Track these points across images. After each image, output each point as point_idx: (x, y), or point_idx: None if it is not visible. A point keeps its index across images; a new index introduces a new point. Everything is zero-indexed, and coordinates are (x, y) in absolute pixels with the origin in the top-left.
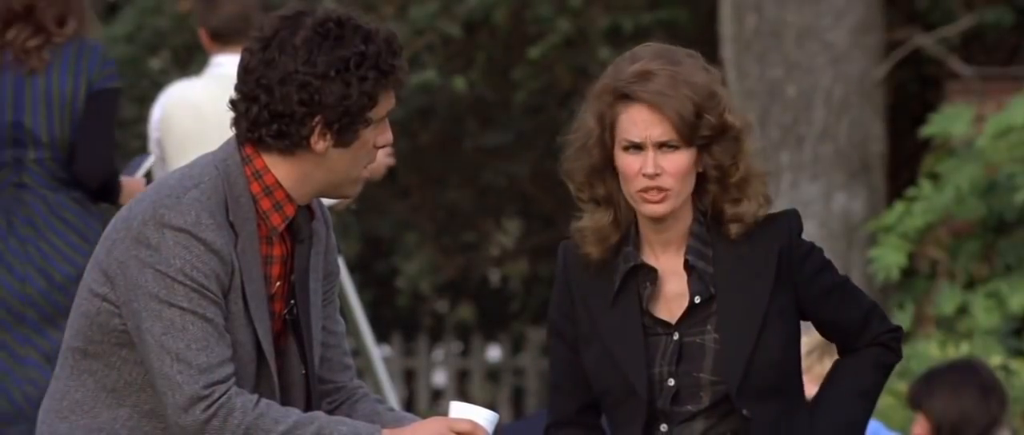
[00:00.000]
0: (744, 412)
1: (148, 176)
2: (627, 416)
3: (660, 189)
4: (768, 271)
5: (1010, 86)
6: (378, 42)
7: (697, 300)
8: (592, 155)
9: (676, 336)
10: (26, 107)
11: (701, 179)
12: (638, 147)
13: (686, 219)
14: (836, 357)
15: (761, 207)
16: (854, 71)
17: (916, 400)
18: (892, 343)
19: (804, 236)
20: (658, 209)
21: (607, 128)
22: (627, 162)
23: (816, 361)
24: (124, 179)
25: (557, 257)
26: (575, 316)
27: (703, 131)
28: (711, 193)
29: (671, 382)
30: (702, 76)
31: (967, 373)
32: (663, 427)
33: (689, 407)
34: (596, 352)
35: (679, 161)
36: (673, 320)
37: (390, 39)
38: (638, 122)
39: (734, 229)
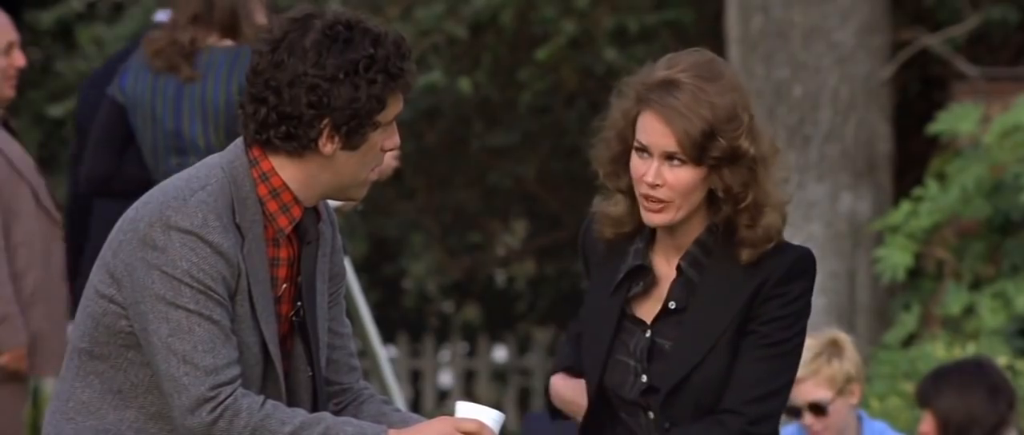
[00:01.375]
0: (666, 426)
1: None
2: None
3: (659, 200)
4: (741, 297)
5: (1016, 86)
6: (387, 45)
7: (672, 305)
8: (612, 147)
9: (648, 334)
10: (184, 115)
11: (715, 196)
12: (648, 152)
13: (699, 227)
14: (847, 360)
15: (771, 239)
16: (860, 71)
17: (924, 398)
18: (737, 428)
19: (809, 237)
20: (655, 218)
21: (629, 125)
22: (636, 164)
23: (824, 363)
24: None
25: (581, 228)
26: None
27: (713, 153)
28: (725, 212)
29: (644, 378)
30: (729, 98)
31: (976, 372)
32: (651, 414)
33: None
34: (584, 321)
35: (683, 177)
36: (648, 320)
37: (399, 42)
38: (648, 129)
39: (744, 254)
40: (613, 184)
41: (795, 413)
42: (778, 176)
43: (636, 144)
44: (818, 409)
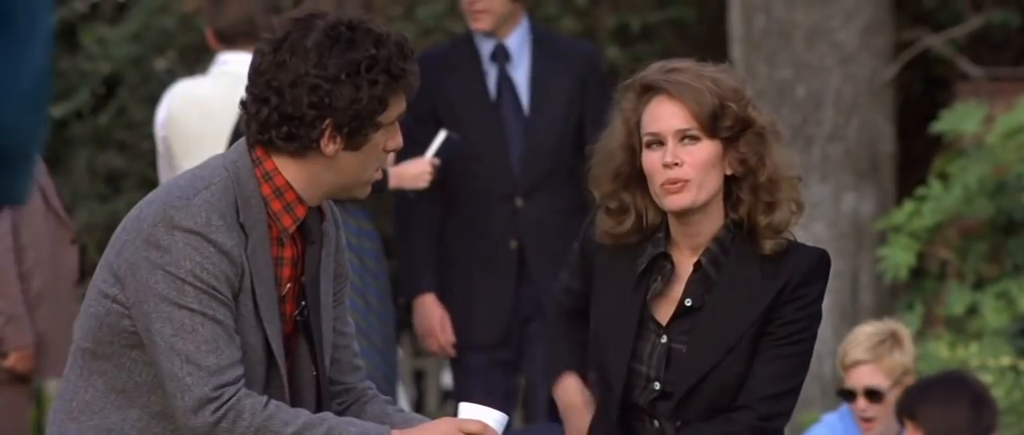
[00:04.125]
0: (677, 423)
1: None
2: (605, 404)
3: (677, 180)
4: (763, 299)
5: (1019, 86)
6: (389, 46)
7: (688, 303)
8: (616, 159)
9: (664, 339)
10: None
11: (732, 186)
12: (660, 142)
13: (716, 224)
14: (906, 353)
15: (793, 213)
16: (863, 72)
17: (908, 409)
18: (748, 423)
19: (812, 238)
20: (678, 200)
21: (633, 129)
22: (650, 160)
23: (886, 352)
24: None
25: (583, 226)
26: (590, 285)
27: (725, 122)
28: (745, 203)
29: (656, 385)
30: (729, 78)
31: (959, 386)
32: (655, 423)
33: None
34: (594, 324)
35: (699, 153)
36: (664, 321)
37: (401, 43)
38: (659, 114)
39: (768, 245)
40: (616, 204)
41: (848, 396)
42: (786, 152)
43: (647, 139)
44: (875, 395)
